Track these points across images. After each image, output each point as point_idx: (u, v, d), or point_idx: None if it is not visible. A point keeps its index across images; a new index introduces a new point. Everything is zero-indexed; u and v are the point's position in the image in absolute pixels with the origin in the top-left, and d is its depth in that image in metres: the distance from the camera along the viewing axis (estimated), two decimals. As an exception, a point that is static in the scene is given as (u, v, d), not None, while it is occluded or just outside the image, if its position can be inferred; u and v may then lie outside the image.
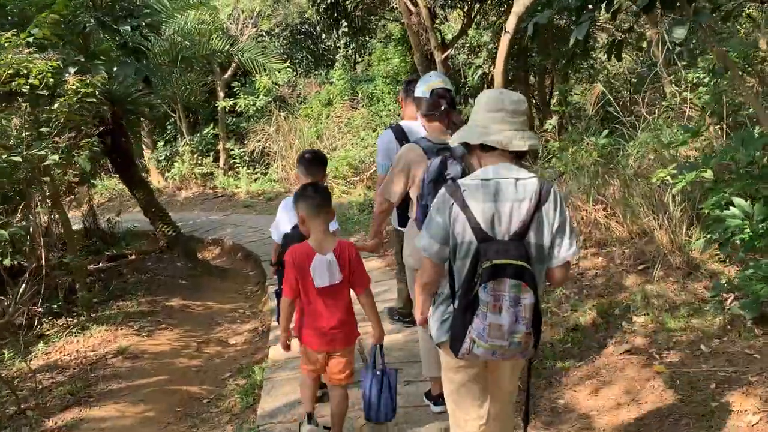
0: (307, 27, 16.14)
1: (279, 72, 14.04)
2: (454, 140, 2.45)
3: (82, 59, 6.14)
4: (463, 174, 2.89)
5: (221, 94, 15.14)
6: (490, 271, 2.15)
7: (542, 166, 9.46)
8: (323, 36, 16.27)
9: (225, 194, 14.71)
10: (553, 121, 10.33)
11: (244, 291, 8.00)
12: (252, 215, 12.37)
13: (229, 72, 15.33)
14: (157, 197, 16.85)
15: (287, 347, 3.23)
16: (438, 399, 3.51)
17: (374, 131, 12.89)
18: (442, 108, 3.23)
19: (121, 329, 5.97)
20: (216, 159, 15.76)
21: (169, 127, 16.90)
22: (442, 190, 2.34)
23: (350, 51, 14.57)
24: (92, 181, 8.23)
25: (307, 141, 13.13)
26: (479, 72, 14.14)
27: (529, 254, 2.23)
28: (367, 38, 13.54)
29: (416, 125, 3.80)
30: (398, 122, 4.16)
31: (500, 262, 2.16)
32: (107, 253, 8.50)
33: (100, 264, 8.04)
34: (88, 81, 5.61)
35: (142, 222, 9.81)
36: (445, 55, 9.91)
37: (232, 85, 14.89)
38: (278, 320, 3.47)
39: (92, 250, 8.61)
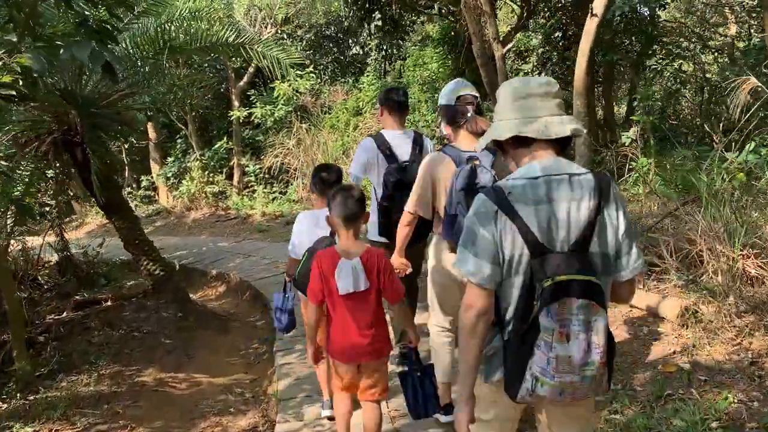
0: (333, 29, 14.37)
1: (301, 78, 12.28)
2: (481, 144, 2.06)
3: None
4: (494, 183, 2.58)
5: (236, 104, 13.43)
6: (552, 290, 1.74)
7: (631, 187, 7.52)
8: (351, 41, 14.50)
9: (238, 216, 12.95)
10: (632, 132, 8.38)
11: (246, 351, 6.12)
12: (266, 243, 10.55)
13: (246, 79, 13.65)
14: (165, 218, 15.54)
15: (316, 360, 3.14)
16: (448, 407, 3.33)
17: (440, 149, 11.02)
18: (469, 115, 3.09)
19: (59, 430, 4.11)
20: (230, 176, 14.04)
21: (179, 140, 15.25)
22: (482, 197, 1.90)
23: (382, 54, 12.71)
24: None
25: (331, 156, 11.29)
26: (528, 79, 12.27)
27: (594, 266, 1.83)
28: (402, 38, 11.67)
29: (397, 135, 3.87)
30: (380, 131, 3.96)
31: (564, 278, 1.75)
32: (77, 297, 6.71)
33: (64, 314, 6.23)
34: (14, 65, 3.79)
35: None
36: (507, 48, 8.01)
37: (249, 93, 13.18)
38: None
39: (61, 292, 6.82)
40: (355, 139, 11.15)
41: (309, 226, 3.50)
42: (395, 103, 3.93)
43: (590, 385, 1.83)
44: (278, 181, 12.86)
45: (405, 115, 4.04)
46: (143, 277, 6.86)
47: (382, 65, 12.97)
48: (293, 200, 12.34)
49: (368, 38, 11.92)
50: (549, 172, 1.88)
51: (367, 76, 12.20)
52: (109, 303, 6.68)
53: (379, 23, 9.18)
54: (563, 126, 1.90)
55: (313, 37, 14.24)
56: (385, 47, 12.23)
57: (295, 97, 12.21)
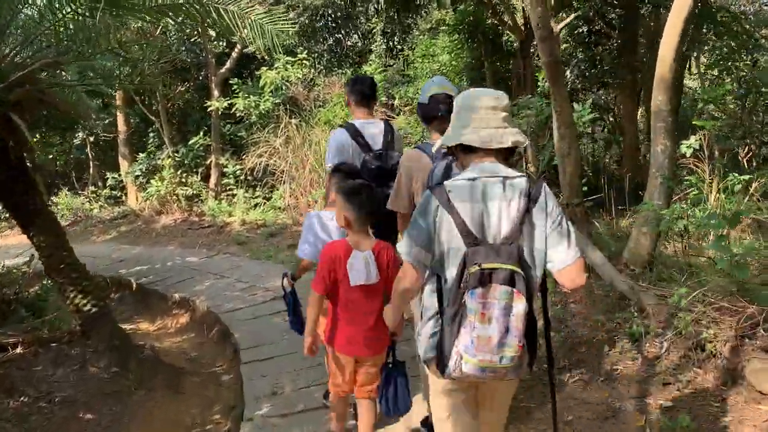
0: (330, 12, 12.62)
1: (292, 65, 10.52)
2: (435, 147, 2.44)
3: None
4: None
5: (216, 93, 11.65)
6: (478, 276, 1.98)
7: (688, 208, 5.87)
8: (350, 26, 12.75)
9: (214, 224, 11.16)
10: (692, 141, 6.73)
11: (203, 429, 4.37)
12: (244, 259, 8.77)
13: (228, 65, 11.86)
14: (132, 222, 13.70)
15: (312, 351, 3.04)
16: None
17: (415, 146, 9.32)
18: (439, 114, 3.11)
19: None
20: (206, 178, 12.25)
21: (152, 135, 13.44)
22: (427, 193, 2.20)
23: (388, 38, 10.98)
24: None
25: (325, 157, 9.53)
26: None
27: (521, 258, 2.04)
28: (414, 17, 9.97)
29: (369, 123, 3.91)
30: (350, 121, 3.98)
31: (489, 266, 1.99)
32: (-26, 340, 4.91)
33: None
34: None
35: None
36: (564, 24, 6.30)
37: (231, 82, 11.40)
38: None
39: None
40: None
41: (321, 227, 3.41)
42: (363, 92, 4.00)
43: (508, 366, 2.02)
44: (262, 184, 11.10)
45: (373, 104, 4.11)
46: (71, 314, 5.07)
47: (388, 52, 11.24)
48: (278, 207, 10.59)
49: (374, 16, 10.17)
50: (486, 174, 2.13)
51: (371, 64, 10.45)
52: (19, 350, 4.87)
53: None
54: (505, 138, 2.14)
55: (307, 21, 12.49)
56: (392, 29, 10.48)
57: (284, 88, 10.44)
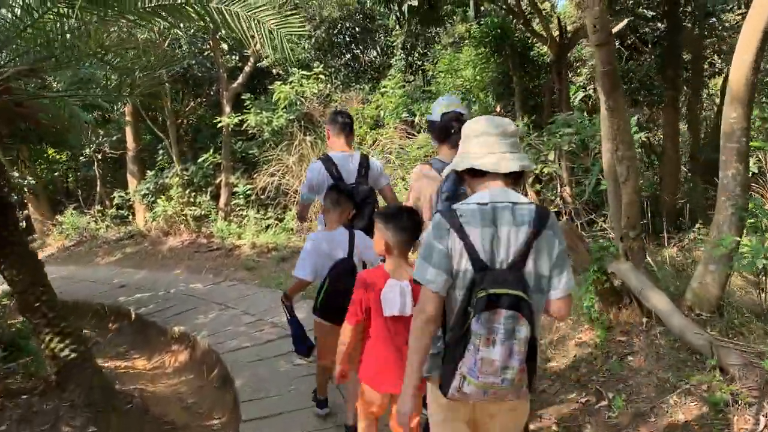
0: (348, 26, 12.01)
1: (307, 79, 9.90)
2: (445, 172, 2.41)
3: None
4: None
5: (227, 109, 11.06)
6: (485, 301, 2.00)
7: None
8: (368, 40, 12.13)
9: (222, 247, 10.53)
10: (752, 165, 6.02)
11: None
12: (252, 288, 8.09)
13: (240, 80, 11.28)
14: (138, 244, 13.09)
15: (342, 378, 2.96)
16: None
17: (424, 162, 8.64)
18: (452, 131, 3.20)
19: None
20: (216, 197, 11.63)
21: (161, 152, 12.88)
22: (437, 217, 2.18)
23: (408, 55, 10.32)
24: None
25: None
26: (580, 94, 9.90)
27: (526, 284, 2.08)
28: (437, 27, 9.31)
29: (345, 156, 3.94)
30: (327, 153, 4.05)
31: (496, 291, 2.01)
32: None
33: None
34: None
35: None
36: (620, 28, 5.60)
37: (243, 97, 10.81)
38: None
39: None
40: (374, 157, 8.70)
41: (328, 249, 3.38)
42: (342, 125, 4.03)
43: (510, 388, 2.05)
44: (274, 205, 10.44)
45: (351, 137, 4.11)
46: (46, 360, 4.39)
47: (408, 67, 10.58)
48: (291, 230, 9.93)
49: (394, 28, 9.52)
50: (496, 200, 2.14)
51: (391, 79, 9.79)
52: (-18, 402, 4.20)
53: (415, 2, 6.79)
54: (513, 162, 2.16)
55: (324, 35, 11.89)
56: (412, 43, 9.82)
57: (298, 103, 9.81)
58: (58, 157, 14.97)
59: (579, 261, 4.82)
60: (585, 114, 6.39)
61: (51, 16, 3.78)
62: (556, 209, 7.35)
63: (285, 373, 5.05)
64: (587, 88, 11.07)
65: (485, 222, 2.09)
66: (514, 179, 2.22)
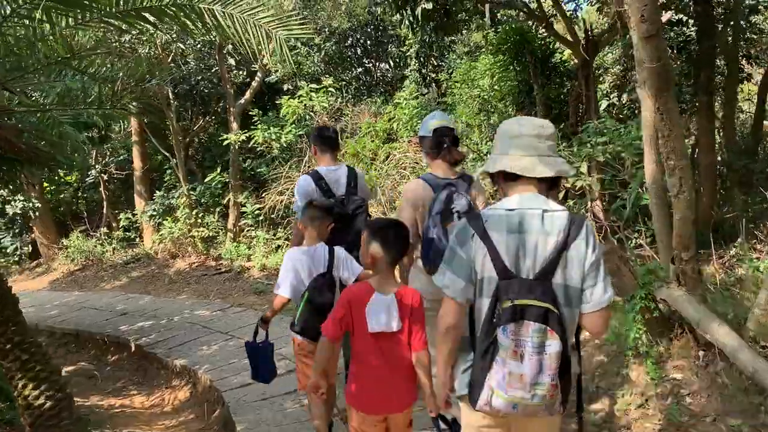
0: (360, 37, 11.56)
1: (317, 93, 9.44)
2: (475, 174, 2.51)
3: None
4: (469, 208, 3.08)
5: (234, 126, 10.62)
6: (510, 312, 1.93)
7: None
8: (380, 51, 11.67)
9: (231, 269, 10.06)
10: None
11: None
12: (261, 312, 7.53)
13: (247, 95, 10.85)
14: (145, 267, 12.62)
15: (316, 389, 2.77)
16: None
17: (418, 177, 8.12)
18: (445, 146, 3.28)
19: None
20: (224, 216, 11.17)
21: (168, 171, 12.47)
22: (463, 222, 2.12)
23: (421, 67, 9.82)
24: None
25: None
26: (604, 103, 9.34)
27: (555, 296, 1.97)
28: (448, 39, 8.81)
29: (332, 170, 3.97)
30: (316, 168, 4.06)
31: (522, 302, 1.93)
32: None
33: None
34: None
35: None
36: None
37: (251, 113, 10.37)
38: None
39: None
40: (387, 173, 8.18)
41: (306, 265, 3.31)
42: (327, 139, 4.10)
43: (540, 404, 1.94)
44: (284, 225, 9.94)
45: (337, 151, 4.18)
46: (19, 408, 3.88)
47: (422, 79, 10.08)
48: (302, 251, 9.38)
49: (407, 37, 9.01)
50: (525, 206, 2.04)
51: (404, 89, 9.28)
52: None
53: (429, 5, 6.29)
54: (549, 167, 2.04)
55: (334, 48, 11.45)
56: (426, 53, 9.31)
57: (308, 118, 9.34)
58: (66, 179, 14.65)
59: (623, 286, 4.24)
60: (619, 121, 5.84)
61: (16, 20, 3.31)
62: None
63: (291, 415, 4.52)
64: (611, 96, 10.53)
65: (511, 228, 2.02)
66: (549, 184, 2.11)
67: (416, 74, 10.16)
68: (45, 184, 14.48)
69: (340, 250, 3.43)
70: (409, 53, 10.01)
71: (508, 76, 9.18)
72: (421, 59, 10.10)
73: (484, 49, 9.74)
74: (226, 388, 5.31)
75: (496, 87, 9.60)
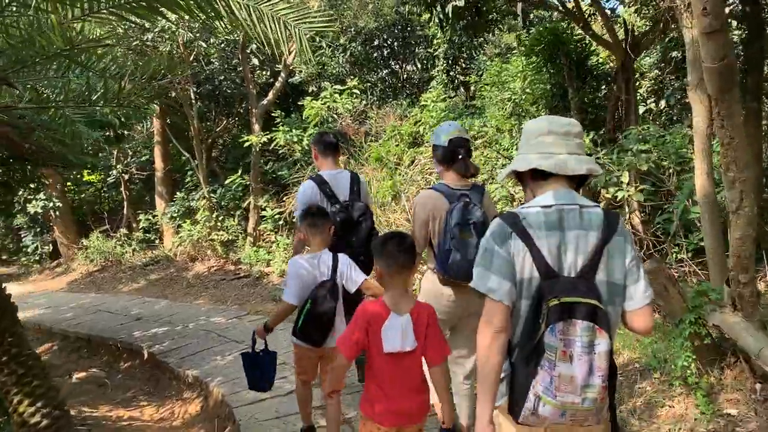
0: (386, 38, 11.25)
1: (340, 94, 9.15)
2: (502, 175, 2.19)
3: None
4: (484, 220, 3.06)
5: (256, 127, 10.38)
6: (558, 310, 1.81)
7: None
8: (407, 52, 11.34)
9: (250, 274, 9.81)
10: None
11: None
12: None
13: (270, 96, 10.61)
14: (164, 269, 12.44)
15: (332, 394, 3.02)
16: None
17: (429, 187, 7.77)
18: (460, 157, 3.23)
19: None
20: (245, 220, 10.93)
21: (190, 173, 12.28)
22: (498, 221, 2.01)
23: (450, 69, 9.46)
24: None
25: (376, 201, 8.01)
26: (640, 109, 8.88)
27: (600, 293, 1.89)
28: (479, 39, 8.44)
29: (335, 174, 4.02)
30: (319, 172, 4.10)
31: (570, 300, 1.82)
32: None
33: None
34: None
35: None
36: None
37: (273, 114, 10.11)
38: None
39: None
40: (412, 178, 7.84)
41: (310, 273, 3.29)
42: (328, 144, 4.10)
43: (590, 408, 1.84)
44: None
45: (338, 156, 4.19)
46: (14, 425, 3.62)
47: (450, 82, 9.71)
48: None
49: (437, 29, 8.65)
50: (561, 202, 1.96)
51: (431, 91, 8.93)
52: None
53: (461, 2, 5.94)
54: (580, 165, 1.98)
55: (360, 48, 11.14)
56: (455, 54, 8.94)
57: (331, 120, 9.04)
58: (89, 178, 14.58)
59: (670, 309, 3.85)
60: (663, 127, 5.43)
61: (14, 8, 3.05)
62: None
63: (306, 439, 4.18)
64: (647, 102, 10.06)
65: (551, 226, 1.94)
66: (579, 183, 2.09)
67: (443, 76, 9.79)
68: (68, 184, 14.45)
69: (344, 258, 3.38)
70: (437, 53, 9.66)
71: (541, 79, 8.78)
72: (450, 60, 9.73)
73: (516, 51, 9.34)
74: (237, 404, 5.01)
75: (528, 90, 9.20)
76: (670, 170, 5.74)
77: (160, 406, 5.90)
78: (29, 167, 5.08)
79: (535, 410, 1.85)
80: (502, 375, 1.98)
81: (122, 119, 6.13)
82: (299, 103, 9.77)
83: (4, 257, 15.35)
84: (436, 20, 6.43)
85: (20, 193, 12.72)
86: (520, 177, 2.12)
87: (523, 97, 9.22)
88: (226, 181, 10.54)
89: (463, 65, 11.40)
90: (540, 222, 1.93)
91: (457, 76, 11.35)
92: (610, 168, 5.22)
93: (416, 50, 12.08)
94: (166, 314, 8.43)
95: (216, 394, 5.41)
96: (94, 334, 7.93)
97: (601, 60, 8.79)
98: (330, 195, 3.90)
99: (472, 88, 11.46)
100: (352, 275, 3.33)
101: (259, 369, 3.62)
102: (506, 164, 8.36)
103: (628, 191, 4.91)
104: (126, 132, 7.44)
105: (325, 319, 3.24)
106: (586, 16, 7.27)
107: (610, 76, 8.36)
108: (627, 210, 6.01)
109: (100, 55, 3.45)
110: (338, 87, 9.24)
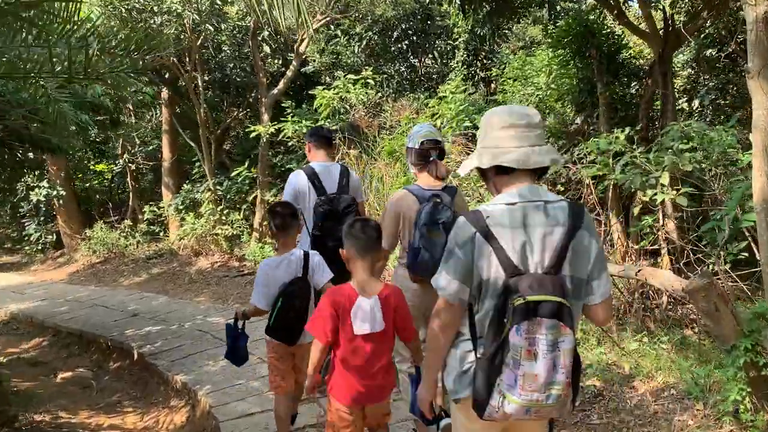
0: (405, 28, 10.70)
1: (354, 84, 8.64)
2: (462, 169, 2.14)
3: None
4: (453, 220, 2.82)
5: (265, 118, 9.91)
6: (523, 310, 1.83)
7: None
8: (427, 44, 10.80)
9: (254, 272, 9.29)
10: None
11: None
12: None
13: (281, 85, 10.13)
14: (168, 263, 11.97)
15: (313, 389, 2.91)
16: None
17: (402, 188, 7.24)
18: (431, 159, 3.35)
19: None
20: (252, 214, 10.46)
21: (197, 164, 11.86)
22: (461, 220, 2.01)
23: (471, 63, 8.90)
24: None
25: (388, 196, 7.48)
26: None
27: (566, 289, 1.90)
28: (510, 21, 7.88)
29: (326, 167, 4.10)
30: (310, 164, 4.17)
31: (535, 298, 1.83)
32: None
33: None
34: None
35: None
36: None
37: (284, 105, 9.63)
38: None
39: None
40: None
41: (282, 274, 3.31)
42: (321, 138, 4.19)
43: (555, 404, 1.86)
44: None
45: (332, 149, 4.42)
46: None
47: (470, 75, 9.15)
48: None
49: (458, 12, 8.11)
50: (526, 198, 1.96)
51: (450, 82, 8.38)
52: None
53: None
54: (542, 156, 1.97)
55: (376, 37, 10.62)
56: (476, 45, 8.39)
57: (342, 111, 8.54)
58: (100, 167, 14.22)
59: (720, 332, 3.30)
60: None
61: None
62: (653, 246, 5.80)
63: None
64: (680, 102, 9.45)
65: (515, 223, 1.93)
66: (540, 174, 2.09)
67: (463, 68, 9.24)
68: (78, 174, 14.10)
69: (315, 255, 3.43)
70: (457, 43, 9.10)
71: (567, 73, 8.23)
72: (470, 52, 9.17)
73: (541, 43, 8.78)
74: (225, 418, 4.53)
75: (553, 85, 8.66)
76: (715, 172, 5.16)
77: (144, 413, 5.44)
78: (6, 151, 4.62)
79: (500, 408, 1.86)
80: (465, 368, 2.02)
81: (115, 102, 5.65)
82: (311, 92, 9.28)
83: (8, 246, 15.06)
84: (457, 2, 5.89)
85: (23, 180, 12.41)
86: (482, 172, 2.09)
87: (548, 92, 8.68)
88: (232, 174, 10.08)
89: (484, 60, 10.87)
90: (504, 220, 1.93)
91: (478, 71, 10.82)
92: (647, 168, 4.66)
93: (436, 42, 11.54)
94: (163, 311, 7.99)
95: (204, 405, 4.94)
96: (87, 330, 7.51)
97: (634, 53, 8.20)
98: (318, 187, 3.99)
99: (493, 84, 10.90)
100: (321, 273, 3.38)
101: (240, 343, 3.59)
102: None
103: (668, 194, 4.34)
104: (122, 117, 6.97)
105: (296, 316, 3.25)
106: (621, 2, 6.69)
107: (642, 71, 7.79)
108: (661, 214, 5.44)
109: (64, 20, 2.98)
110: (352, 77, 8.73)
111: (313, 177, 4.00)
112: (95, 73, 3.21)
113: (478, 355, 1.95)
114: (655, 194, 4.39)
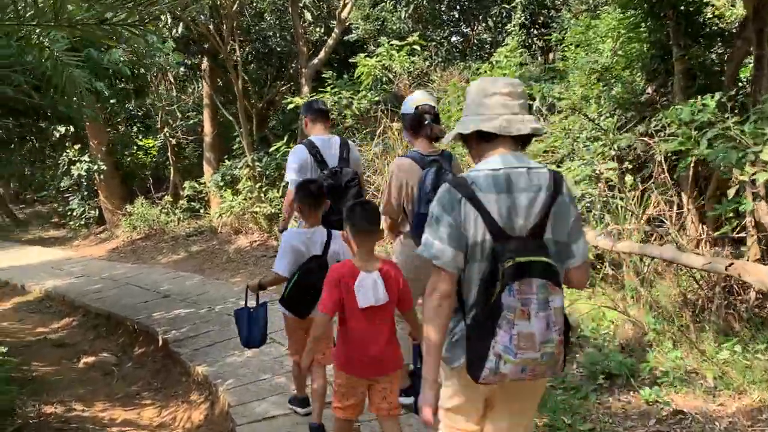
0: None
1: (399, 51, 7.96)
2: (447, 139, 2.27)
3: None
4: None
5: (305, 89, 9.34)
6: (514, 270, 1.87)
7: None
8: (480, 10, 9.99)
9: (292, 253, 8.81)
10: None
11: None
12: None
13: (322, 54, 9.52)
14: (207, 241, 11.65)
15: (308, 368, 3.33)
16: (407, 390, 3.50)
17: (561, 164, 6.56)
18: (426, 123, 3.40)
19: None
20: (291, 192, 9.96)
21: (238, 138, 11.43)
22: (446, 186, 2.04)
23: (529, 28, 8.07)
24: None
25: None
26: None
27: (550, 251, 1.96)
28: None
29: (325, 140, 4.09)
30: (310, 137, 4.15)
31: (525, 259, 1.89)
32: None
33: None
34: None
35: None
36: None
37: (324, 75, 9.03)
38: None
39: None
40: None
41: (305, 247, 3.38)
42: (318, 111, 4.22)
43: (548, 363, 1.91)
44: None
45: (329, 122, 4.29)
46: None
47: (527, 46, 8.33)
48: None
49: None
50: (509, 164, 2.00)
51: (504, 46, 7.58)
52: None
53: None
54: (524, 124, 2.03)
55: (425, 2, 9.85)
56: (534, 9, 7.56)
57: (385, 80, 7.87)
58: (143, 142, 14.00)
59: None
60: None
61: None
62: (735, 234, 4.98)
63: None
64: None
65: (500, 189, 1.96)
66: (524, 143, 2.11)
67: (521, 31, 8.42)
68: (124, 149, 13.92)
69: (337, 235, 3.37)
70: (514, 3, 8.27)
71: (638, 38, 7.30)
72: (528, 15, 8.34)
73: (609, 3, 7.88)
74: (243, 420, 4.05)
75: (620, 52, 7.76)
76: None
77: (162, 407, 5.02)
78: (8, 120, 4.18)
79: (497, 369, 1.88)
80: (456, 336, 2.05)
81: (133, 68, 5.16)
82: (352, 61, 8.65)
83: (55, 220, 15.09)
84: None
85: (66, 153, 12.26)
86: (466, 140, 2.13)
87: (615, 59, 7.78)
88: (271, 149, 9.58)
89: (542, 28, 9.97)
90: (489, 185, 1.95)
91: (535, 40, 9.95)
92: (743, 141, 3.86)
93: (491, 8, 10.69)
94: (195, 293, 7.60)
95: (223, 403, 4.48)
96: (115, 312, 7.19)
97: (717, 12, 7.23)
98: (320, 161, 3.97)
99: (552, 54, 10.03)
100: (342, 254, 3.34)
101: (251, 324, 3.69)
102: (591, 138, 7.03)
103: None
104: (142, 85, 6.50)
105: (312, 291, 3.21)
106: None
107: (727, 32, 6.82)
108: (750, 197, 4.60)
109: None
110: (397, 42, 8.04)
111: (314, 150, 3.99)
112: (67, 20, 2.67)
113: (468, 321, 1.98)
114: (756, 173, 3.61)
